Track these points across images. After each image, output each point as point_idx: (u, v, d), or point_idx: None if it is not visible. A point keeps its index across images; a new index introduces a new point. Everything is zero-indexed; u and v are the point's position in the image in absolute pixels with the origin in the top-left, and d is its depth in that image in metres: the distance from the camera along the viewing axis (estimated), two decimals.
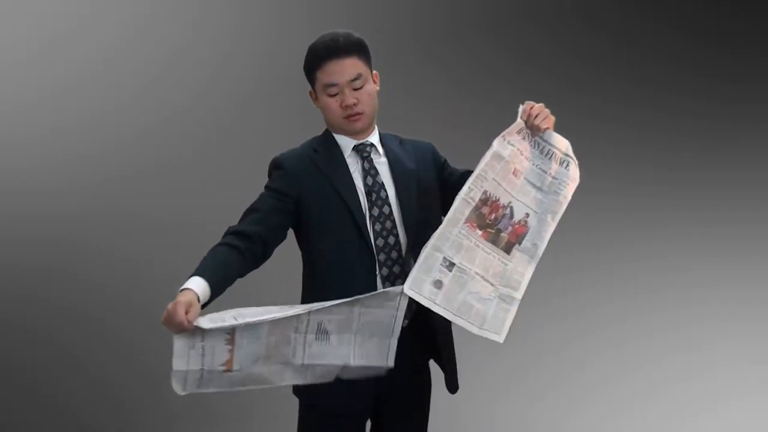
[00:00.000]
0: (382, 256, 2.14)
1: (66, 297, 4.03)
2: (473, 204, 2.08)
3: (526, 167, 2.13)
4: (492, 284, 2.10)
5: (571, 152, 2.18)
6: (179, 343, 1.92)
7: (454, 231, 2.07)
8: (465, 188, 2.08)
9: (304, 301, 2.25)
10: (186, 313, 1.90)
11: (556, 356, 4.20)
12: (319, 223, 2.15)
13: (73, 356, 3.98)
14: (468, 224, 2.08)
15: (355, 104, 2.14)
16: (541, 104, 2.15)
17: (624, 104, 4.72)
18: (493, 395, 3.98)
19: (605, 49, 4.77)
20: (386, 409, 2.26)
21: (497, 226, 2.11)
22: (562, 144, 2.17)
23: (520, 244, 2.12)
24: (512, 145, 2.12)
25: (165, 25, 4.28)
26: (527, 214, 2.13)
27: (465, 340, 2.37)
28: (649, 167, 4.65)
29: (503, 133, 2.13)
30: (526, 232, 2.13)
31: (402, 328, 2.15)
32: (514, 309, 2.13)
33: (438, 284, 2.07)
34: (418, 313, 2.18)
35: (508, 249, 2.12)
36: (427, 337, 2.24)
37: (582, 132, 4.61)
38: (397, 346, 2.13)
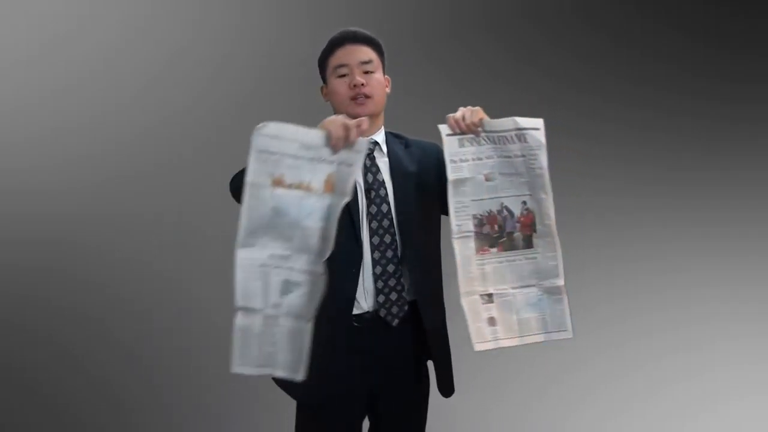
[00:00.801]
0: (376, 254, 2.14)
1: (66, 297, 4.03)
2: (471, 234, 2.06)
3: (492, 164, 2.09)
4: (533, 285, 2.09)
5: (522, 123, 2.10)
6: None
7: (472, 268, 2.05)
8: (453, 228, 2.04)
9: None
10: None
11: (555, 356, 4.20)
12: None
13: (73, 356, 3.98)
14: (480, 252, 2.06)
15: (363, 85, 2.15)
16: (459, 109, 2.10)
17: (624, 104, 4.72)
18: (492, 395, 3.98)
19: (605, 49, 4.77)
20: (384, 408, 2.26)
21: (506, 232, 2.09)
22: (507, 123, 2.10)
23: (536, 231, 2.10)
24: (464, 161, 2.07)
25: (165, 25, 4.28)
26: (524, 202, 2.11)
27: (463, 341, 2.37)
28: (649, 167, 4.65)
29: (447, 161, 2.06)
30: (534, 217, 2.11)
31: (393, 327, 2.16)
32: (565, 297, 2.09)
33: (492, 321, 2.05)
34: (409, 314, 2.19)
35: (528, 243, 2.10)
36: (419, 336, 2.24)
37: (582, 132, 4.65)
38: (393, 345, 2.14)
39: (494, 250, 2.07)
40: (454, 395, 2.33)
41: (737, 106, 4.73)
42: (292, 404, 2.30)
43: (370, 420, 2.32)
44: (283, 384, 2.23)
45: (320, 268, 1.94)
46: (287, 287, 1.94)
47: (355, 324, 2.16)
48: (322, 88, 2.27)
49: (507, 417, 3.89)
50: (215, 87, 4.31)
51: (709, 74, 4.78)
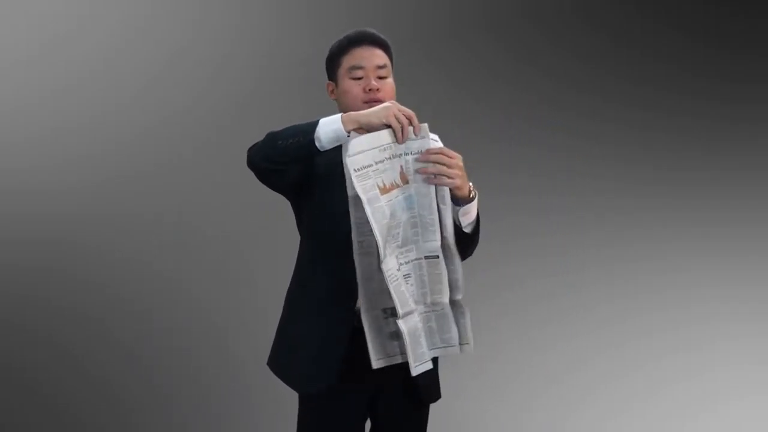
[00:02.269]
0: None
1: (66, 297, 4.03)
2: (373, 251, 2.01)
3: (392, 177, 1.99)
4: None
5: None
6: None
7: (374, 285, 2.07)
8: (355, 245, 2.03)
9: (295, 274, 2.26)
10: None
11: (555, 356, 4.20)
12: (320, 197, 2.14)
13: (73, 356, 3.97)
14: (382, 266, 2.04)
15: (377, 90, 2.15)
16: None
17: (624, 104, 4.72)
18: (492, 395, 3.98)
19: (605, 49, 4.78)
20: (385, 409, 2.26)
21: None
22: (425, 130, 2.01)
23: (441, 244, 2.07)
24: (363, 178, 1.96)
25: (165, 25, 4.28)
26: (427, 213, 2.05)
27: None
28: (649, 167, 4.66)
29: (348, 178, 1.99)
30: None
31: None
32: (467, 311, 2.09)
33: (393, 336, 2.09)
34: None
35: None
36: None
37: (582, 132, 4.65)
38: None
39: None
40: (454, 395, 2.32)
41: (737, 106, 4.73)
42: (292, 404, 2.30)
43: (371, 421, 2.32)
44: (285, 376, 2.23)
45: (424, 254, 2.01)
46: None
47: (356, 324, 2.16)
48: (328, 84, 2.25)
49: (507, 417, 3.88)
50: (215, 87, 4.31)
51: (709, 74, 4.79)
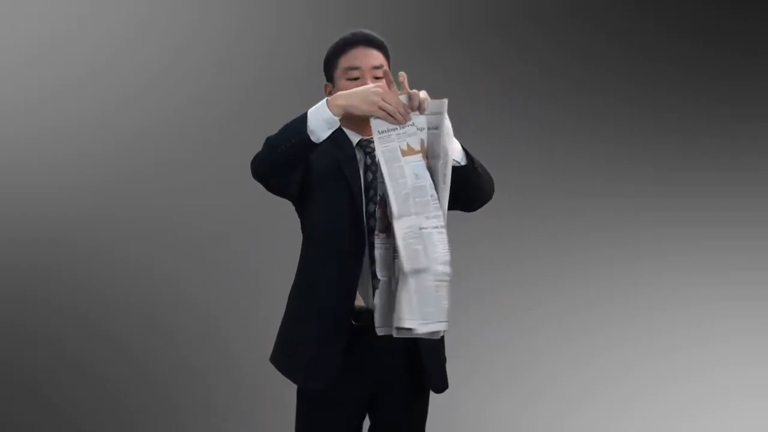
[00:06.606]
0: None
1: (66, 297, 4.04)
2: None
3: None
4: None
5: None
6: None
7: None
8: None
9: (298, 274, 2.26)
10: None
11: (555, 356, 4.20)
12: (320, 198, 2.16)
13: (73, 356, 3.98)
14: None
15: None
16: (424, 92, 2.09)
17: (624, 104, 4.72)
18: (491, 395, 3.98)
19: (605, 49, 4.77)
20: (384, 407, 2.27)
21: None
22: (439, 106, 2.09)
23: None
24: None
25: (165, 25, 4.28)
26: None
27: (462, 340, 2.37)
28: (649, 167, 4.65)
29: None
30: None
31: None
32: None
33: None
34: None
35: None
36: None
37: (582, 132, 4.64)
38: (393, 344, 2.13)
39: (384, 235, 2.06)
40: (454, 395, 2.33)
41: (737, 106, 4.73)
42: (292, 404, 2.31)
43: (370, 419, 2.32)
44: (287, 372, 2.23)
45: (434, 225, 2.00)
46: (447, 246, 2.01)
47: (354, 323, 2.16)
48: (326, 86, 2.26)
49: (507, 417, 3.89)
50: (215, 87, 4.31)
51: (709, 74, 4.78)
